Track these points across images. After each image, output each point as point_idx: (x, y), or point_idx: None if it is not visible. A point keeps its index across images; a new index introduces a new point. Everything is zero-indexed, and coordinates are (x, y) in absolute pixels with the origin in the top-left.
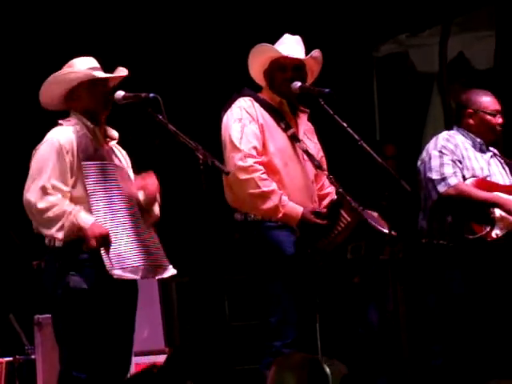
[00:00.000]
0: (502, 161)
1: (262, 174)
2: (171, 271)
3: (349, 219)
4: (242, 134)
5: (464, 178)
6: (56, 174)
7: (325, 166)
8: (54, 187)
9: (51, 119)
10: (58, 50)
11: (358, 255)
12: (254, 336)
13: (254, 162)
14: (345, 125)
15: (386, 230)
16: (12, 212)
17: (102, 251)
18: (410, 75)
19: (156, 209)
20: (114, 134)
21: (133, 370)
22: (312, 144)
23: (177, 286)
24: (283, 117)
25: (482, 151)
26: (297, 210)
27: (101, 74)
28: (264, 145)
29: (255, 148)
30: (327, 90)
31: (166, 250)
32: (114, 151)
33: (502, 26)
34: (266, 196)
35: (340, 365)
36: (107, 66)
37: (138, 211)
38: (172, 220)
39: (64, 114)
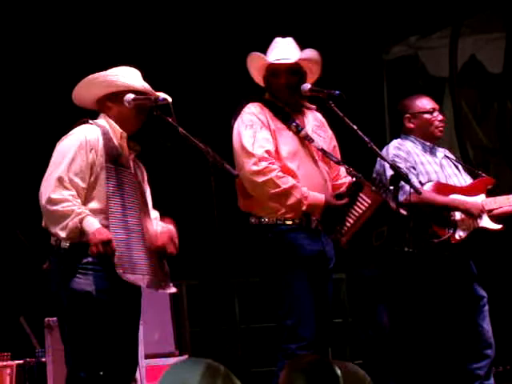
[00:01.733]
0: (453, 161)
1: (279, 172)
2: (173, 289)
3: (369, 201)
4: (254, 140)
5: (421, 184)
6: (76, 168)
7: (339, 157)
8: (71, 181)
9: (63, 124)
10: (75, 52)
11: (382, 241)
12: (264, 338)
13: (269, 163)
14: (355, 127)
15: (404, 212)
16: (21, 214)
17: (116, 253)
18: (421, 78)
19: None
20: (136, 146)
21: (144, 372)
22: (321, 139)
23: (187, 288)
24: (293, 119)
25: (433, 154)
26: (319, 197)
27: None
28: (277, 150)
29: (268, 152)
30: (337, 92)
31: (176, 254)
32: (135, 163)
33: None
34: (288, 193)
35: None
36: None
37: (150, 225)
38: (182, 222)
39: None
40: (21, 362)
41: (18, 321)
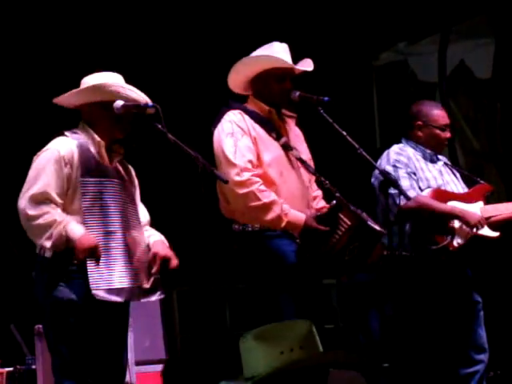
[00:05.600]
0: (452, 168)
1: (260, 185)
2: (159, 295)
3: (349, 223)
4: (235, 149)
5: (420, 190)
6: (51, 183)
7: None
8: (47, 197)
9: (51, 129)
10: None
11: (353, 256)
12: None
13: (251, 175)
14: (344, 133)
15: (381, 229)
16: (11, 222)
17: (89, 269)
18: (411, 84)
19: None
20: (120, 149)
21: (134, 379)
22: (301, 149)
23: (178, 294)
24: (274, 126)
25: (433, 161)
26: (300, 217)
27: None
28: (258, 157)
29: (250, 161)
30: (326, 99)
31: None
32: (119, 168)
33: (501, 33)
34: (267, 207)
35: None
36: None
37: (135, 230)
38: (172, 229)
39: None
40: (11, 369)
41: (9, 328)
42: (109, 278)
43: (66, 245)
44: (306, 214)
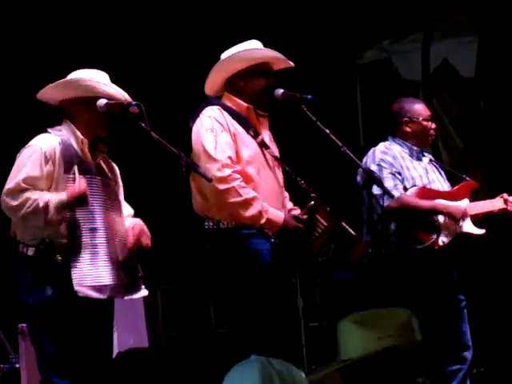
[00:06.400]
0: (438, 166)
1: (241, 182)
2: (142, 292)
3: (326, 224)
4: (215, 144)
5: (405, 189)
6: (31, 174)
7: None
8: (26, 182)
9: (34, 126)
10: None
11: (327, 257)
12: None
13: (232, 171)
14: (327, 131)
15: (353, 232)
16: None
17: (73, 266)
18: (394, 82)
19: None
20: (104, 147)
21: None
22: (274, 148)
23: (162, 293)
24: (251, 124)
25: (419, 159)
26: (279, 215)
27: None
28: (237, 154)
29: (230, 157)
30: (310, 97)
31: (149, 258)
32: (102, 165)
33: (484, 31)
34: (248, 203)
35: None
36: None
37: (119, 227)
38: (156, 227)
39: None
40: None
41: None
42: (92, 274)
43: (64, 210)
44: (283, 213)
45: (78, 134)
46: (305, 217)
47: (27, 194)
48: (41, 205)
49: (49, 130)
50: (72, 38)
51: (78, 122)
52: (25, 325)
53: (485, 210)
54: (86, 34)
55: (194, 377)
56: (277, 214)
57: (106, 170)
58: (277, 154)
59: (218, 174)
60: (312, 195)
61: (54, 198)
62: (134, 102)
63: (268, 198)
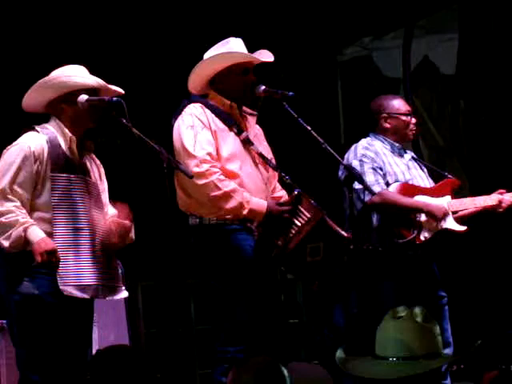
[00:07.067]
0: (420, 163)
1: (220, 175)
2: (123, 294)
3: (308, 215)
4: (195, 141)
5: (387, 184)
6: (20, 179)
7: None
8: (14, 192)
9: (22, 124)
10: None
11: (317, 258)
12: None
13: (210, 166)
14: (308, 128)
15: (343, 232)
16: None
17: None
18: (375, 79)
19: (131, 234)
20: (91, 145)
21: None
22: (261, 147)
23: (142, 289)
24: (234, 121)
25: (401, 155)
26: (261, 203)
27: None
28: (217, 151)
29: (209, 154)
30: (291, 94)
31: (130, 255)
32: (87, 164)
33: (465, 28)
34: (228, 196)
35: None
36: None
37: (103, 227)
38: (136, 223)
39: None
40: None
41: None
42: (76, 274)
43: (23, 247)
44: (266, 201)
45: (67, 131)
46: (288, 199)
47: (11, 208)
48: (17, 228)
49: (36, 127)
50: (54, 34)
51: (65, 119)
52: (4, 321)
53: (465, 207)
54: (70, 31)
55: (174, 373)
56: (259, 203)
57: (92, 169)
58: (263, 150)
59: (196, 169)
60: (297, 190)
61: (29, 230)
62: (115, 99)
63: (252, 194)
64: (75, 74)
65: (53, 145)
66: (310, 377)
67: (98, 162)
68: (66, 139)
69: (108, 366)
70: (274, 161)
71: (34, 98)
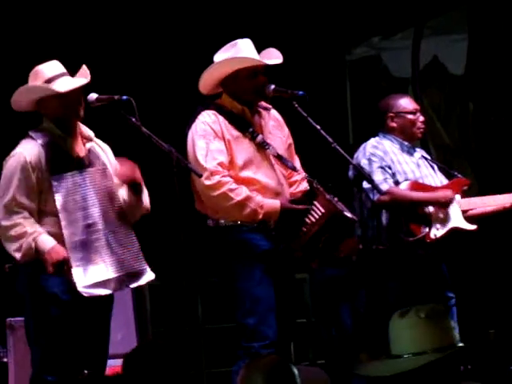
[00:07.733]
0: (429, 161)
1: (231, 184)
2: (148, 276)
3: (323, 210)
4: (206, 151)
5: (397, 183)
6: (21, 190)
7: (294, 154)
8: (19, 204)
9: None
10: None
11: (323, 245)
12: (228, 339)
13: (221, 177)
14: (318, 127)
15: (349, 214)
16: None
17: (74, 267)
18: (383, 79)
19: (145, 199)
20: (90, 134)
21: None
22: (278, 139)
23: (150, 288)
24: (248, 124)
25: (410, 154)
26: (275, 204)
27: (61, 88)
28: (232, 159)
29: (220, 164)
30: (301, 93)
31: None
32: (91, 152)
33: (474, 29)
34: (241, 204)
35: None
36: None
37: (117, 215)
38: (144, 222)
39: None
40: None
41: None
42: (93, 272)
43: (35, 256)
44: (279, 199)
45: (58, 131)
46: (301, 196)
47: (18, 220)
48: (27, 239)
49: (31, 133)
50: (68, 35)
51: (53, 118)
52: (13, 319)
53: (475, 207)
54: (79, 31)
55: (182, 372)
56: (273, 204)
57: (97, 158)
58: (280, 145)
59: (207, 182)
60: (314, 185)
61: (39, 240)
62: (125, 97)
63: (269, 196)
64: (54, 72)
65: (49, 147)
66: (308, 378)
67: (103, 145)
68: (60, 139)
69: (146, 362)
70: (292, 148)
71: (21, 97)
